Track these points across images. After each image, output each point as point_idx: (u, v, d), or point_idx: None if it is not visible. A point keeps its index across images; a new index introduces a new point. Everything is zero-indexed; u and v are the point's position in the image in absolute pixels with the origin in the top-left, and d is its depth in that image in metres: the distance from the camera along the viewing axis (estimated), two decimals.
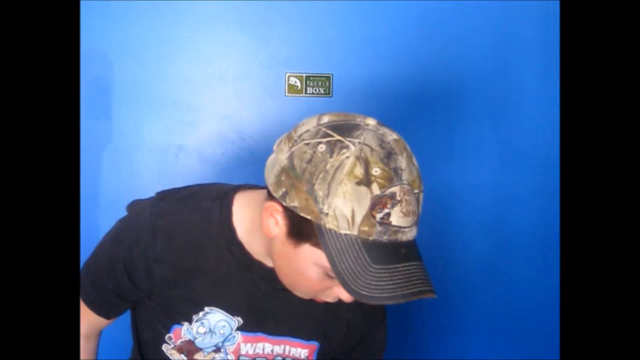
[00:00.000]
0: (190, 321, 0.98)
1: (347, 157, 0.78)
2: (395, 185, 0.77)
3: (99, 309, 1.01)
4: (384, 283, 0.77)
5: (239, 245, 0.94)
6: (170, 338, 1.00)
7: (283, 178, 0.82)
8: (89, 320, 1.03)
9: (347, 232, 0.78)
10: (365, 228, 0.77)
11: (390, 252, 0.78)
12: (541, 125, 1.88)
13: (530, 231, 1.93)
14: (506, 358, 1.93)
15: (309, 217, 0.79)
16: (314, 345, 1.02)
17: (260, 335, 1.00)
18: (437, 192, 1.89)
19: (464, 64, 1.84)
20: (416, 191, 0.81)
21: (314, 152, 0.80)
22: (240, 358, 1.01)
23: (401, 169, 0.79)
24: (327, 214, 0.78)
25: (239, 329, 0.99)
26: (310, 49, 1.80)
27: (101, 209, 1.75)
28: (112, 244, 0.98)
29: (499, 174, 1.90)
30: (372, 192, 0.77)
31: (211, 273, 0.96)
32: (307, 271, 0.84)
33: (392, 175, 0.78)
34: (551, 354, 1.90)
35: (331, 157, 0.78)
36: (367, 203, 0.76)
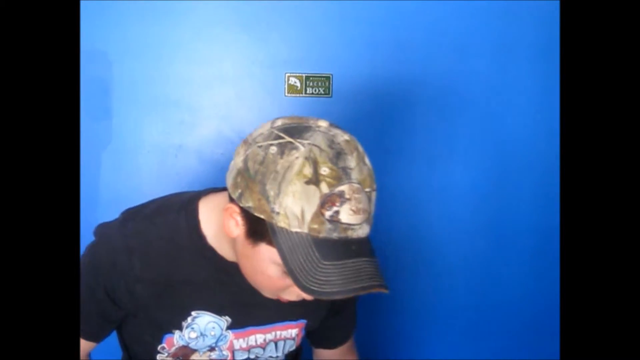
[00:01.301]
0: (180, 328, 1.00)
1: (297, 158, 0.81)
2: (344, 184, 0.80)
3: (87, 335, 1.02)
4: (333, 278, 0.80)
5: (211, 250, 0.97)
6: (163, 348, 1.02)
7: (239, 180, 0.85)
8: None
9: (298, 230, 0.80)
10: (315, 226, 0.80)
11: (340, 248, 0.81)
12: (541, 125, 1.88)
13: (530, 231, 1.93)
14: (506, 358, 1.93)
15: (262, 216, 0.82)
16: (302, 323, 1.08)
17: (250, 328, 1.03)
18: (436, 192, 1.89)
19: (464, 64, 1.84)
20: (367, 190, 0.83)
21: (266, 154, 0.83)
22: (235, 352, 1.04)
23: (350, 168, 0.81)
24: (278, 213, 0.81)
25: (229, 327, 1.02)
26: (310, 49, 1.80)
27: (101, 209, 1.75)
28: (88, 272, 0.98)
29: (498, 174, 1.90)
30: (321, 191, 0.79)
31: (192, 281, 0.98)
32: (267, 270, 0.87)
33: (341, 175, 0.80)
34: (551, 354, 1.90)
35: (281, 158, 0.81)
36: (316, 201, 0.79)
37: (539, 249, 1.93)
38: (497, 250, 1.94)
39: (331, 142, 0.83)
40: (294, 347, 1.10)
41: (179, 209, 0.99)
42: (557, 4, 1.78)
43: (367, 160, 0.85)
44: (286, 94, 1.80)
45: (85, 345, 1.04)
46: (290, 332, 1.07)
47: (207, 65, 1.77)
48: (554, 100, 1.86)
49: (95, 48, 1.71)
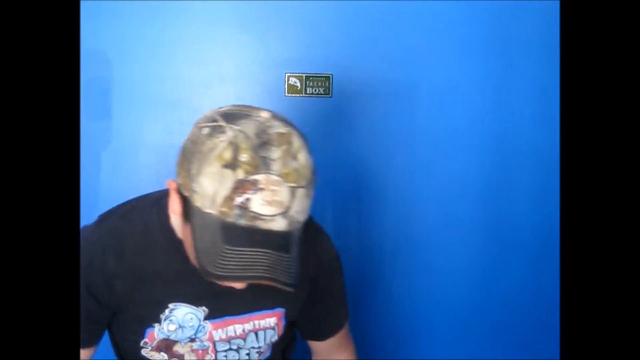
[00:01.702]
0: (159, 321, 1.02)
1: (221, 141, 0.82)
2: (260, 174, 0.80)
3: (80, 341, 1.02)
4: (226, 262, 0.81)
5: (180, 243, 0.97)
6: (146, 343, 1.03)
7: (179, 158, 0.88)
8: None
9: (210, 211, 0.81)
10: (224, 209, 0.80)
11: (245, 236, 0.81)
12: (541, 125, 1.88)
13: (530, 231, 1.93)
14: (506, 358, 1.93)
15: (187, 194, 0.85)
16: (280, 311, 1.07)
17: (227, 318, 1.04)
18: (436, 192, 1.89)
19: (464, 63, 1.84)
20: (291, 184, 0.82)
21: (199, 134, 0.85)
22: (216, 343, 1.05)
23: (271, 159, 0.81)
24: (196, 192, 0.83)
25: (207, 318, 1.03)
26: (310, 49, 1.80)
27: (101, 209, 1.74)
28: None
29: (499, 174, 1.90)
30: (236, 176, 0.80)
31: (166, 274, 1.00)
32: None
33: (260, 164, 0.80)
34: (551, 354, 1.90)
35: (209, 139, 0.83)
36: (229, 185, 0.80)
37: (539, 249, 1.93)
38: (497, 250, 1.94)
39: (261, 132, 0.83)
40: (275, 337, 1.09)
41: (152, 205, 1.02)
42: (557, 4, 1.77)
43: (301, 156, 0.84)
44: (286, 94, 1.80)
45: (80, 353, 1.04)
46: (268, 322, 1.07)
47: (207, 65, 1.77)
48: (554, 100, 1.86)
49: (95, 48, 1.71)
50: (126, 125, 1.77)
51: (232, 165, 0.80)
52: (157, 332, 1.03)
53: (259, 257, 0.81)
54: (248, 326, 1.06)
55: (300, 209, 0.83)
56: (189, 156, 0.85)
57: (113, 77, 1.74)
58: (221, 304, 1.02)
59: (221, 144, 0.81)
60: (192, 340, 1.04)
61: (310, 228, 1.03)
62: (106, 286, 0.99)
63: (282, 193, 0.81)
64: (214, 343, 1.05)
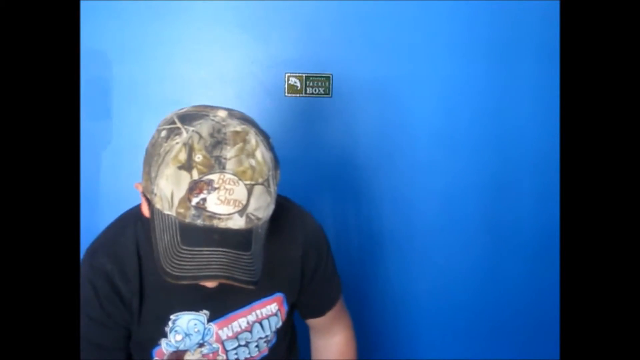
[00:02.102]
0: (165, 335, 1.02)
1: (177, 143, 0.83)
2: (214, 173, 0.81)
3: None
4: (183, 263, 0.80)
5: None
6: None
7: (143, 162, 0.90)
8: None
9: (169, 212, 0.82)
10: (181, 210, 0.81)
11: (202, 236, 0.81)
12: (541, 125, 1.88)
13: (531, 231, 1.93)
14: (506, 358, 1.93)
15: (149, 197, 0.86)
16: (279, 296, 1.08)
17: (230, 315, 1.04)
18: (436, 192, 1.89)
19: (464, 63, 1.84)
20: (248, 182, 0.82)
21: (158, 137, 0.87)
22: (225, 342, 1.06)
23: (225, 158, 0.82)
24: (155, 194, 0.84)
25: (210, 320, 1.03)
26: (310, 49, 1.80)
27: (101, 208, 1.75)
28: (84, 305, 0.98)
29: (499, 174, 1.90)
30: (191, 177, 0.81)
31: (163, 286, 0.97)
32: None
33: (213, 163, 0.81)
34: (551, 354, 1.90)
35: (166, 142, 0.84)
36: (185, 187, 0.81)
37: (540, 249, 1.93)
38: (498, 250, 1.94)
39: (216, 131, 0.84)
40: (280, 323, 1.10)
41: (136, 221, 1.02)
42: (557, 4, 1.78)
43: (258, 154, 0.84)
44: (286, 94, 1.80)
45: None
46: (269, 309, 1.07)
47: (207, 65, 1.77)
48: (554, 100, 1.86)
49: (95, 48, 1.70)
50: (126, 125, 1.77)
51: (187, 166, 0.81)
52: (165, 347, 1.03)
53: (215, 256, 0.81)
54: (251, 317, 1.06)
55: (259, 206, 0.83)
56: (149, 159, 0.87)
57: (113, 77, 1.74)
58: (220, 302, 1.03)
59: (176, 146, 0.83)
60: (201, 345, 1.04)
61: (294, 211, 1.08)
62: (125, 309, 1.00)
63: (238, 191, 0.81)
64: (222, 343, 1.06)
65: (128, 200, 1.08)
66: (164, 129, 0.87)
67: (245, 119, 0.88)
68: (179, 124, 0.85)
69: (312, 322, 1.20)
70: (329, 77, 1.80)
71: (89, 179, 1.74)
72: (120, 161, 1.78)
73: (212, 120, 0.85)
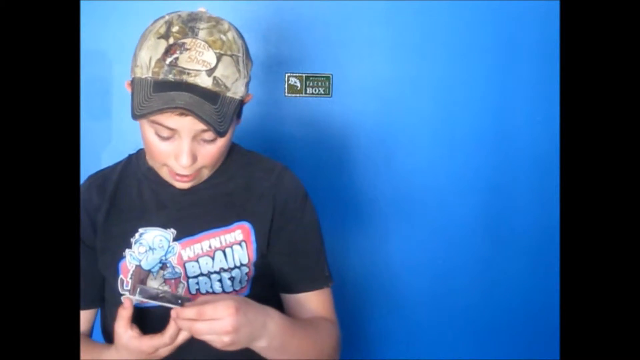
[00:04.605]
0: (130, 246, 1.08)
1: (159, 22, 0.98)
2: (187, 38, 0.94)
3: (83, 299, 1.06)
4: (151, 103, 0.92)
5: (151, 170, 1.09)
6: (122, 281, 1.08)
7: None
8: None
9: (145, 75, 0.94)
10: (156, 69, 0.93)
11: (172, 85, 0.92)
12: (541, 125, 1.88)
13: (530, 231, 1.93)
14: (506, 358, 1.93)
15: (132, 76, 0.98)
16: (246, 225, 1.09)
17: (195, 237, 1.08)
18: (436, 191, 1.89)
19: (464, 63, 1.84)
20: (218, 51, 0.95)
21: (147, 28, 1.00)
22: (186, 265, 1.08)
23: (199, 29, 0.95)
24: (136, 66, 0.96)
25: (175, 239, 1.08)
26: (310, 49, 1.80)
27: None
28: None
29: (499, 174, 1.90)
30: (168, 43, 0.94)
31: (137, 203, 1.11)
32: (147, 135, 0.99)
33: (187, 31, 0.95)
34: (551, 354, 1.89)
35: (151, 25, 0.99)
36: (161, 50, 0.94)
37: (539, 249, 1.93)
38: (497, 250, 1.94)
39: (194, 14, 0.98)
40: (246, 258, 1.08)
41: (129, 156, 1.17)
42: (557, 4, 1.77)
43: (229, 34, 0.97)
44: (286, 94, 1.80)
45: (83, 316, 1.12)
46: (233, 236, 1.08)
47: None
48: (554, 100, 1.86)
49: (95, 48, 1.70)
50: (126, 125, 1.76)
51: (165, 35, 0.95)
52: (130, 259, 1.08)
53: (180, 97, 0.91)
54: (215, 242, 1.08)
55: (227, 74, 0.95)
56: (137, 46, 0.99)
57: (113, 77, 1.74)
58: (188, 224, 1.08)
59: (158, 23, 0.98)
60: (162, 267, 1.07)
61: (278, 167, 1.14)
62: (90, 224, 1.10)
63: (208, 55, 0.93)
64: (184, 266, 1.07)
65: None
66: (156, 20, 1.00)
67: (229, 24, 1.02)
68: (166, 15, 1.00)
69: (286, 302, 1.14)
70: (329, 77, 1.80)
71: None
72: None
73: (194, 12, 0.99)
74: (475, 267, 1.93)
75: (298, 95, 1.79)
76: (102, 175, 1.15)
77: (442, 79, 1.84)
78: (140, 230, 1.08)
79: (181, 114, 0.93)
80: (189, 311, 0.91)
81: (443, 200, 1.89)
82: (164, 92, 0.92)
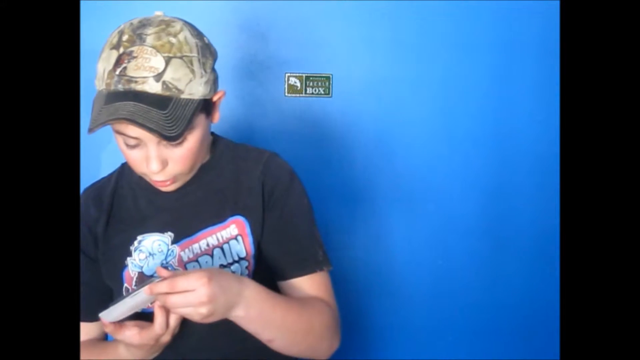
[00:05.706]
0: (130, 254, 1.09)
1: (114, 31, 0.99)
2: (135, 46, 0.94)
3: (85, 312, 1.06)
4: (100, 117, 0.92)
5: (141, 178, 1.09)
6: (127, 289, 1.08)
7: None
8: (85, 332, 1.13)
9: (101, 87, 0.96)
10: (108, 80, 0.95)
11: (121, 96, 0.93)
12: (541, 125, 1.88)
13: (530, 231, 1.93)
14: (506, 358, 1.93)
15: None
16: (239, 219, 1.09)
17: (192, 237, 1.09)
18: (436, 191, 1.89)
19: (464, 63, 1.84)
20: (165, 55, 0.94)
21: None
22: (187, 266, 1.08)
23: (146, 34, 0.95)
24: (96, 78, 0.97)
25: (174, 242, 1.09)
26: (310, 49, 1.80)
27: None
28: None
29: (499, 174, 1.90)
30: (118, 53, 0.95)
31: (134, 212, 1.12)
32: (119, 145, 1.02)
33: (135, 39, 0.95)
34: (551, 354, 1.90)
35: (109, 38, 0.99)
36: (112, 61, 0.94)
37: (539, 249, 1.93)
38: (497, 250, 1.94)
39: (145, 19, 0.99)
40: (243, 252, 1.08)
41: (123, 164, 1.18)
42: (557, 4, 1.77)
43: (180, 36, 0.97)
44: (286, 94, 1.80)
45: (84, 329, 1.11)
46: (229, 231, 1.08)
47: None
48: (554, 100, 1.86)
49: (95, 48, 1.70)
50: None
51: (117, 46, 0.95)
52: (131, 267, 1.08)
53: (125, 107, 0.91)
54: (212, 240, 1.08)
55: (177, 77, 0.95)
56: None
57: None
58: (184, 226, 1.09)
59: (113, 34, 0.98)
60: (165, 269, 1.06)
61: (265, 155, 1.14)
62: (90, 236, 1.12)
63: (155, 60, 0.93)
64: (185, 268, 1.08)
65: None
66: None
67: (186, 23, 1.02)
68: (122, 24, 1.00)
69: (283, 291, 1.12)
70: (329, 77, 1.80)
71: (89, 179, 1.73)
72: (120, 161, 1.77)
73: (147, 17, 1.00)
74: (475, 267, 1.93)
75: (298, 95, 1.80)
76: (97, 188, 1.17)
77: (442, 78, 1.84)
78: (139, 237, 1.10)
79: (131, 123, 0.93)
80: (161, 285, 0.90)
81: (443, 200, 1.89)
82: (111, 104, 0.92)
